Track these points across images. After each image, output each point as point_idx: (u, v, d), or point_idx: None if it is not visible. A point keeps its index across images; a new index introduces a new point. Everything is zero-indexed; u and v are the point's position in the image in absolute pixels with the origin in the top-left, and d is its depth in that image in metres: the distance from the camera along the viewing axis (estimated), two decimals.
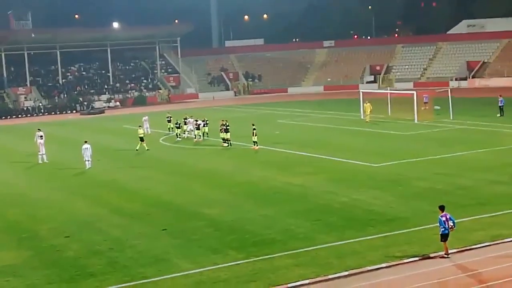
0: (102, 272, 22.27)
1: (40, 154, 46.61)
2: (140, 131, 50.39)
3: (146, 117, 61.43)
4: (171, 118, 59.99)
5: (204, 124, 54.57)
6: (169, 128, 59.63)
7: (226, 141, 49.91)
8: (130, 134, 63.24)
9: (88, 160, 43.05)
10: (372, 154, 43.02)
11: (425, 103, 66.58)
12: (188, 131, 55.84)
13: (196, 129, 54.15)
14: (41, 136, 47.24)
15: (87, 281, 21.54)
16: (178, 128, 55.59)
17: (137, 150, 49.27)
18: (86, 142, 43.80)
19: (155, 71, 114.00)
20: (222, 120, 52.05)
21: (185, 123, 56.22)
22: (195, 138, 54.01)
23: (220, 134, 51.02)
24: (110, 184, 37.91)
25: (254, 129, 47.45)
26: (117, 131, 66.91)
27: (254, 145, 47.43)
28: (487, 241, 23.22)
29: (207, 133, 54.53)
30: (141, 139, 49.67)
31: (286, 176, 36.99)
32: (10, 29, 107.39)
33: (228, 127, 50.09)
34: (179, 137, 55.22)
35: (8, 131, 73.37)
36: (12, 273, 22.64)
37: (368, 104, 61.21)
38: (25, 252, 25.04)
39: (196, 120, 54.95)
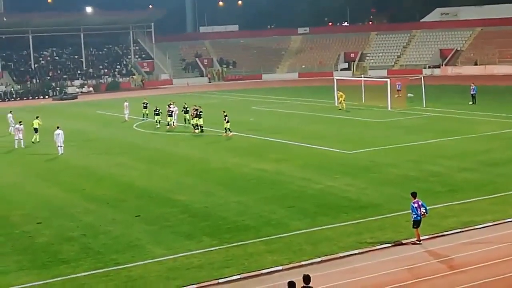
0: (75, 258, 22.16)
1: (16, 139, 46.20)
2: (36, 121, 47.99)
3: (127, 103, 60.58)
4: (148, 105, 59.49)
5: (184, 111, 53.75)
6: (143, 114, 59.12)
7: (199, 127, 49.69)
8: (104, 119, 62.97)
9: (61, 146, 42.68)
10: (345, 141, 43.22)
11: (398, 90, 66.93)
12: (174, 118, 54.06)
13: (169, 116, 53.40)
14: (20, 122, 46.86)
15: (59, 267, 21.42)
16: (157, 115, 54.40)
17: (33, 142, 47.24)
18: (58, 127, 43.39)
19: (129, 57, 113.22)
20: (194, 106, 51.84)
21: (169, 110, 54.29)
22: (167, 125, 53.29)
23: (192, 120, 50.82)
24: (83, 170, 37.66)
25: (226, 116, 47.33)
26: (90, 116, 66.40)
27: (226, 131, 47.33)
28: (458, 228, 23.50)
29: (188, 120, 53.47)
30: (35, 130, 47.58)
31: (259, 163, 37.03)
32: None
33: (201, 113, 49.90)
34: (159, 125, 54.06)
35: None
36: None
37: (340, 93, 61.31)
38: None
39: (169, 106, 54.23)
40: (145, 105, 59.56)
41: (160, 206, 28.50)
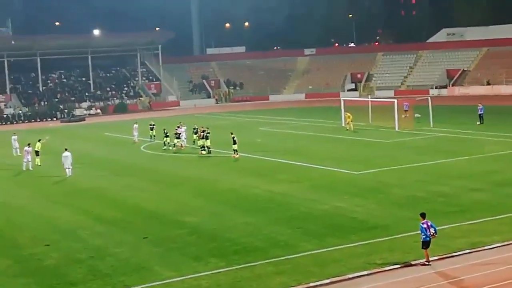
0: (83, 280, 22.11)
1: (25, 161, 46.28)
2: (38, 144, 47.52)
3: (136, 125, 60.60)
4: (154, 126, 59.64)
5: (194, 132, 53.60)
6: (150, 136, 59.23)
7: (206, 148, 49.66)
8: (112, 141, 63.11)
9: (69, 168, 42.70)
10: (353, 161, 43.15)
11: (405, 111, 66.88)
12: (182, 139, 53.80)
13: (176, 138, 53.34)
14: (29, 144, 46.89)
15: None
16: (166, 137, 54.33)
17: (39, 165, 46.77)
18: (66, 150, 43.39)
19: (136, 79, 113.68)
20: (201, 127, 51.86)
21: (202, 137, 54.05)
22: (174, 146, 53.18)
23: (199, 141, 50.83)
24: (91, 192, 37.68)
25: (234, 137, 47.34)
26: (98, 138, 66.59)
27: (234, 153, 47.33)
28: (467, 248, 23.36)
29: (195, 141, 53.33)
30: (37, 154, 47.07)
31: (267, 184, 36.98)
32: None
33: (208, 134, 49.94)
34: (166, 146, 53.74)
35: None
36: None
37: (348, 114, 61.31)
38: (4, 260, 24.79)
39: (178, 127, 54.25)
40: (151, 126, 59.67)
41: (168, 228, 28.46)
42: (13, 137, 55.20)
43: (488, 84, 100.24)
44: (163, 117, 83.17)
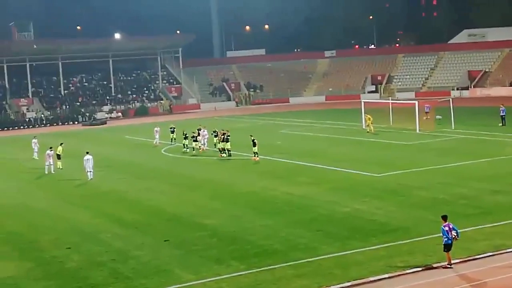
0: (104, 283, 22.20)
1: (47, 165, 46.60)
2: (59, 148, 47.93)
3: (158, 128, 60.84)
4: (175, 129, 59.77)
5: (215, 134, 53.65)
6: (171, 139, 59.38)
7: (226, 151, 49.68)
8: (133, 144, 63.39)
9: (90, 171, 42.91)
10: (373, 164, 42.96)
11: (426, 112, 66.53)
12: (202, 142, 53.97)
13: (194, 141, 53.29)
14: (51, 148, 47.22)
15: None
16: (185, 139, 54.54)
17: (60, 168, 47.07)
18: (87, 153, 43.71)
19: (157, 82, 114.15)
20: (222, 130, 51.93)
21: (199, 134, 54.30)
22: (193, 149, 53.19)
23: (219, 144, 50.85)
24: (112, 195, 37.87)
25: (254, 140, 47.32)
26: (119, 141, 66.93)
27: (254, 155, 47.30)
28: (490, 251, 23.15)
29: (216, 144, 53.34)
30: (58, 157, 47.31)
31: (287, 186, 36.93)
32: (12, 41, 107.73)
33: (228, 137, 49.99)
34: (185, 148, 54.13)
35: (11, 142, 73.37)
36: (14, 285, 22.58)
37: (368, 116, 61.08)
38: (26, 263, 24.96)
39: (199, 130, 54.35)
40: (172, 129, 59.81)
41: (189, 230, 28.50)
42: (33, 140, 55.69)
43: (511, 85, 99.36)
44: (183, 120, 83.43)
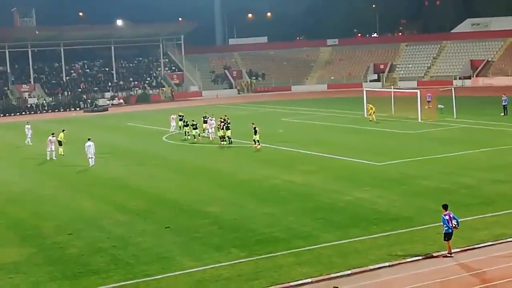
0: (105, 269, 22.29)
1: (48, 151, 46.66)
2: (61, 134, 48.04)
3: (174, 116, 59.87)
4: (183, 117, 58.85)
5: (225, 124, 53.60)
6: (180, 127, 58.75)
7: (226, 139, 49.61)
8: (134, 131, 63.44)
9: (92, 158, 42.99)
10: (375, 153, 42.98)
11: (428, 101, 66.47)
12: (208, 130, 53.89)
13: (194, 129, 52.94)
14: (53, 134, 47.32)
15: (89, 278, 21.57)
16: (185, 126, 54.39)
17: (62, 155, 47.25)
18: (89, 139, 43.74)
19: (159, 69, 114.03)
20: (221, 117, 51.81)
21: (205, 122, 54.38)
22: (194, 137, 52.94)
23: (219, 131, 50.77)
24: (114, 182, 37.95)
25: (255, 127, 47.29)
26: (121, 128, 66.96)
27: (255, 143, 47.29)
28: (490, 240, 23.22)
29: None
30: (60, 143, 47.55)
31: (289, 175, 36.97)
32: (14, 26, 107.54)
33: (229, 124, 49.94)
34: (187, 136, 53.89)
35: (12, 128, 73.38)
36: (15, 270, 22.68)
37: (370, 106, 60.97)
38: (28, 249, 25.07)
39: (205, 118, 53.97)
40: (181, 117, 59.14)
41: (190, 218, 28.58)
42: (26, 126, 56.18)
43: None
44: (185, 107, 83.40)
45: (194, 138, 52.89)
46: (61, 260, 23.57)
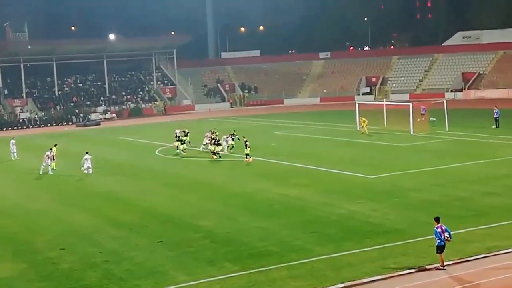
0: (98, 285, 22.21)
1: (43, 165, 46.57)
2: (54, 148, 47.80)
3: (178, 131, 57.67)
4: (188, 133, 57.36)
5: (231, 138, 53.45)
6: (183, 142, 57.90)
7: (216, 154, 49.74)
8: (127, 145, 63.32)
9: (89, 168, 44.44)
10: (368, 165, 43.04)
11: (422, 114, 66.66)
12: (204, 145, 53.60)
13: (181, 143, 52.67)
14: (51, 149, 47.29)
15: None
16: (178, 141, 54.12)
17: (54, 169, 46.64)
18: (87, 153, 45.25)
19: (151, 83, 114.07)
20: (210, 130, 52.66)
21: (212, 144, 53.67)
22: (183, 151, 52.73)
23: (210, 146, 50.70)
24: (107, 196, 37.86)
25: (246, 141, 47.36)
26: (114, 142, 66.86)
27: (247, 157, 47.28)
28: (483, 253, 23.24)
29: (232, 146, 53.12)
30: (52, 158, 46.93)
31: (282, 188, 36.97)
32: (7, 41, 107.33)
33: (219, 141, 50.42)
34: (180, 150, 53.38)
35: (4, 143, 73.04)
36: (7, 286, 22.58)
37: (363, 119, 61.03)
38: (20, 264, 24.96)
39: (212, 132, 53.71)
40: (186, 133, 58.48)
41: (182, 232, 28.53)
42: (11, 141, 56.59)
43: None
44: (178, 121, 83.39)
45: (177, 149, 52.62)
46: (53, 276, 23.46)
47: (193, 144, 55.75)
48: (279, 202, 33.44)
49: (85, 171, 44.06)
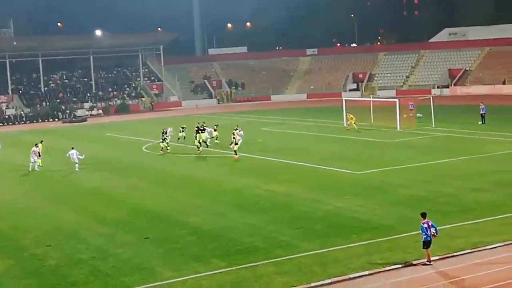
0: (84, 281, 22.13)
1: (32, 162, 46.32)
2: (39, 145, 47.66)
3: (171, 129, 57.73)
4: (185, 129, 57.68)
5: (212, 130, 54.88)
6: (178, 138, 58.05)
7: (202, 143, 51.10)
8: (114, 142, 63.12)
9: (77, 163, 44.77)
10: (355, 161, 43.13)
11: (410, 110, 66.85)
12: (204, 140, 53.18)
13: (162, 140, 52.50)
14: (36, 145, 47.06)
15: None
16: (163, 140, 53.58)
17: (41, 166, 46.58)
18: (72, 148, 45.43)
19: (138, 79, 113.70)
20: (198, 123, 53.38)
21: (202, 131, 53.00)
22: (166, 149, 52.40)
23: (195, 140, 50.99)
24: (93, 192, 37.72)
25: (234, 138, 47.34)
26: (100, 139, 66.59)
27: (235, 153, 47.08)
28: (468, 248, 23.35)
29: (204, 141, 52.93)
30: (38, 154, 46.90)
31: (269, 184, 36.98)
32: None
33: (204, 129, 52.37)
34: (165, 148, 53.24)
35: None
36: None
37: (351, 116, 60.98)
38: (6, 261, 24.84)
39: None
40: (182, 129, 58.35)
41: (170, 228, 28.48)
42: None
43: (504, 83, 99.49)
44: (165, 117, 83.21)
45: (161, 150, 52.17)
46: (39, 272, 23.37)
47: (187, 141, 55.72)
48: (266, 198, 33.45)
49: (77, 164, 44.68)
